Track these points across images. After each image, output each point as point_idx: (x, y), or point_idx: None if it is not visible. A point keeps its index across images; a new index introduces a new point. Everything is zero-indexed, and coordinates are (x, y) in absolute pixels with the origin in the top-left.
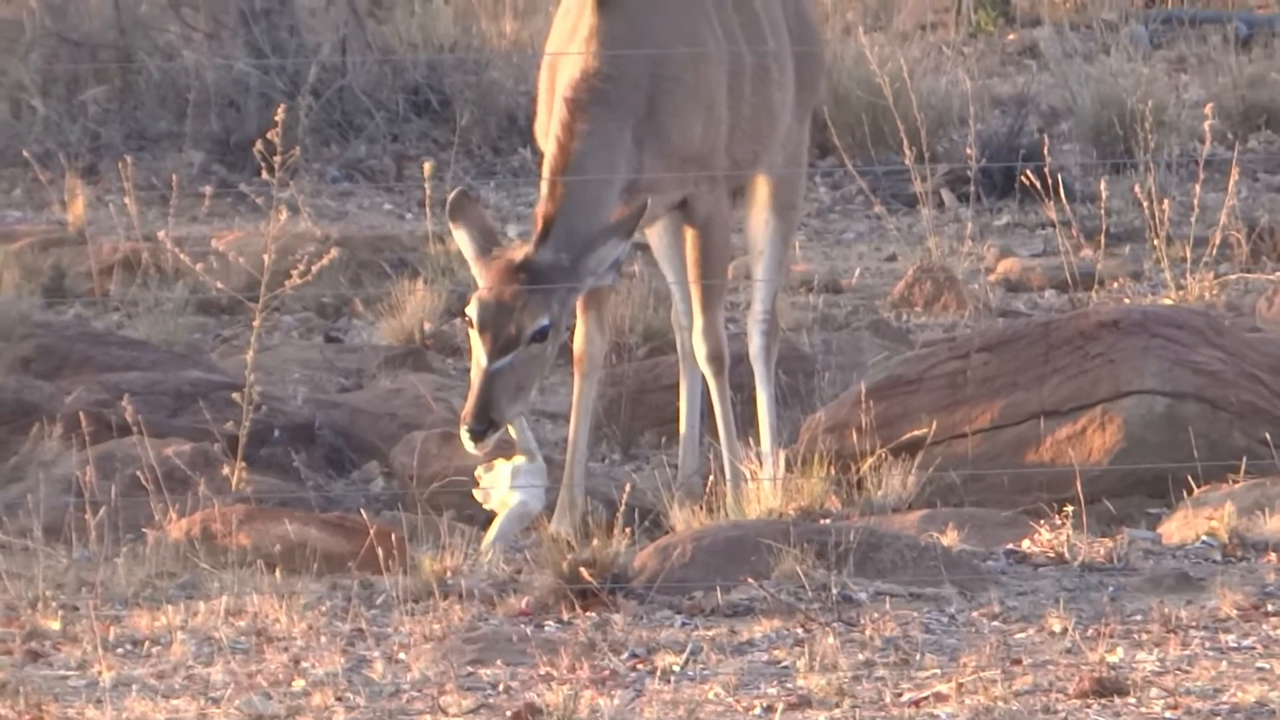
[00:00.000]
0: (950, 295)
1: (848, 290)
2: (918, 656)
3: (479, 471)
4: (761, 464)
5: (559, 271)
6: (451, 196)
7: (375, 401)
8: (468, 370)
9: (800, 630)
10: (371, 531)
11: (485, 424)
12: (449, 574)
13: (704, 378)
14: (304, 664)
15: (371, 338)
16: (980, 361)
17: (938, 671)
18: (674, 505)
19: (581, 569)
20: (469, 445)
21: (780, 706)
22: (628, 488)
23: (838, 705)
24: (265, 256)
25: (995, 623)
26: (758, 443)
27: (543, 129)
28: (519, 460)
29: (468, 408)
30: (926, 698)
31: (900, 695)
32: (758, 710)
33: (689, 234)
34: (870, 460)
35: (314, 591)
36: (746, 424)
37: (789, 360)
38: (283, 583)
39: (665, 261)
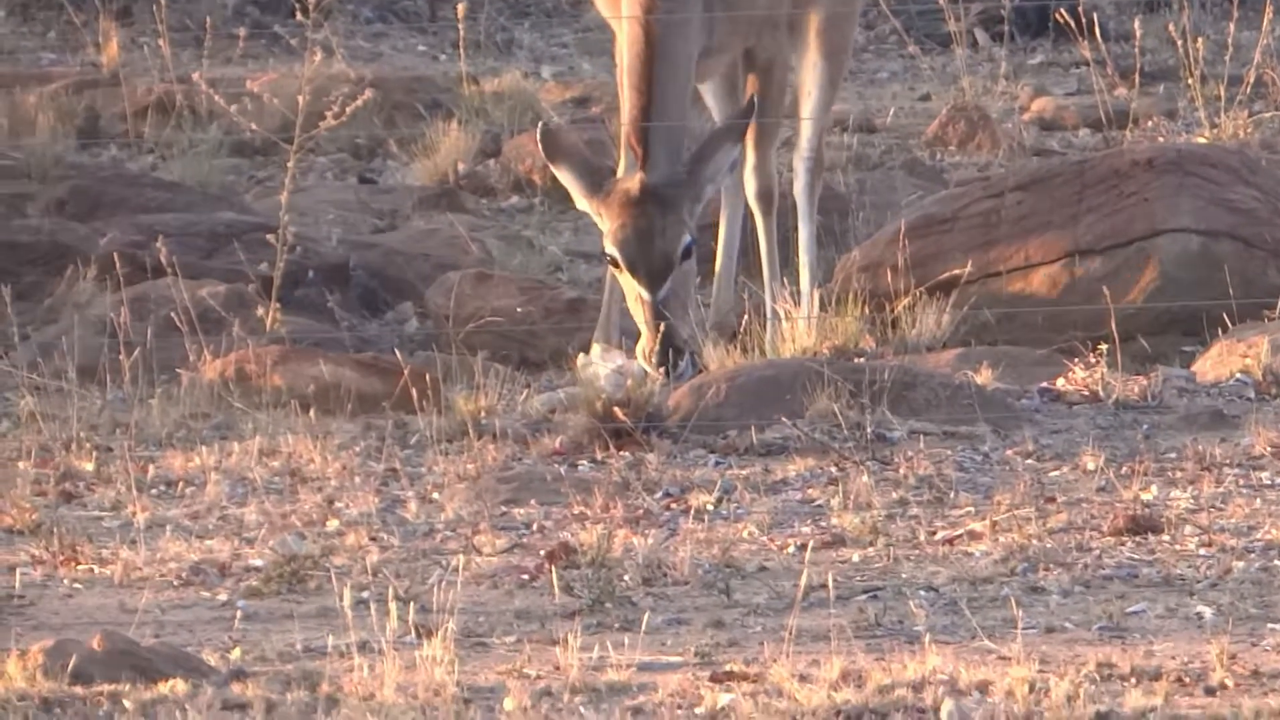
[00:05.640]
0: (984, 134)
1: (882, 130)
2: (951, 495)
3: (597, 346)
4: (798, 303)
5: (680, 186)
6: (540, 134)
7: (409, 242)
8: (501, 211)
9: (834, 469)
10: (406, 372)
11: (675, 352)
12: (483, 414)
13: (742, 217)
14: (338, 504)
15: (405, 179)
16: (1014, 200)
17: (972, 510)
18: (708, 344)
19: (615, 409)
20: (662, 378)
21: (814, 544)
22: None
23: (871, 544)
24: (299, 98)
25: (1029, 461)
26: (793, 282)
27: None
28: (635, 365)
29: (650, 344)
30: (960, 536)
31: (934, 534)
32: (791, 549)
33: (750, 78)
34: (905, 299)
35: (348, 432)
36: (781, 264)
37: (824, 200)
38: (317, 423)
39: (713, 100)
